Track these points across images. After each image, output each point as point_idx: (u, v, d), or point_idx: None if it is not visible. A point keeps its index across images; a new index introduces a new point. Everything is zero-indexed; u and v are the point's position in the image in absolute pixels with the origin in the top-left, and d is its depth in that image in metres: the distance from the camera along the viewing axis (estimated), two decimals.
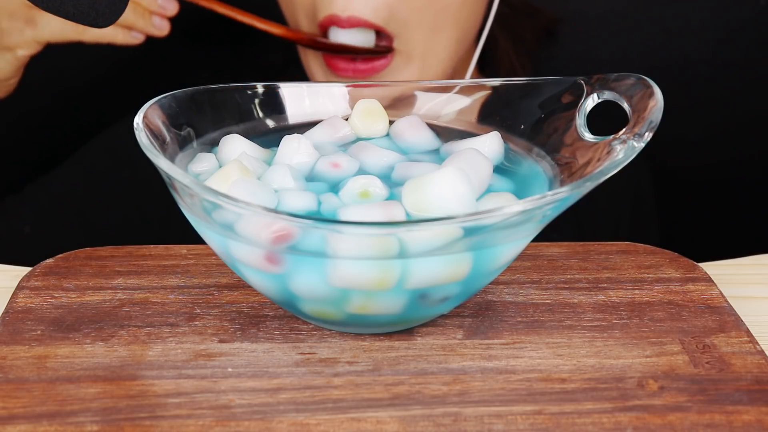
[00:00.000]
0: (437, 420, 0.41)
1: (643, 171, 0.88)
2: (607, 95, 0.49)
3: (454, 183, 0.43)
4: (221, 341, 0.45)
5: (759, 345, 0.46)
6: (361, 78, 0.71)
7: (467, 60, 0.78)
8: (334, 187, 0.46)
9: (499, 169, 0.49)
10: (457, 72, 0.78)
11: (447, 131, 0.53)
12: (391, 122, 0.52)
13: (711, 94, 0.94)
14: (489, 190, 0.46)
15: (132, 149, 0.49)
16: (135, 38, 0.72)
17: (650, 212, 0.89)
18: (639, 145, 0.44)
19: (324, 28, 0.70)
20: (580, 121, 0.49)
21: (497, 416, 0.41)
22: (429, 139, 0.52)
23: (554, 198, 0.41)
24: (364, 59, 0.70)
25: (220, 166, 0.47)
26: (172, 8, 0.73)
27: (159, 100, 0.48)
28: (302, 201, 0.44)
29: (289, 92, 0.53)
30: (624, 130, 0.46)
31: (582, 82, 0.50)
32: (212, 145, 0.50)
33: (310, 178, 0.47)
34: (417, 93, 0.54)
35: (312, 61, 0.74)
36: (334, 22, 0.68)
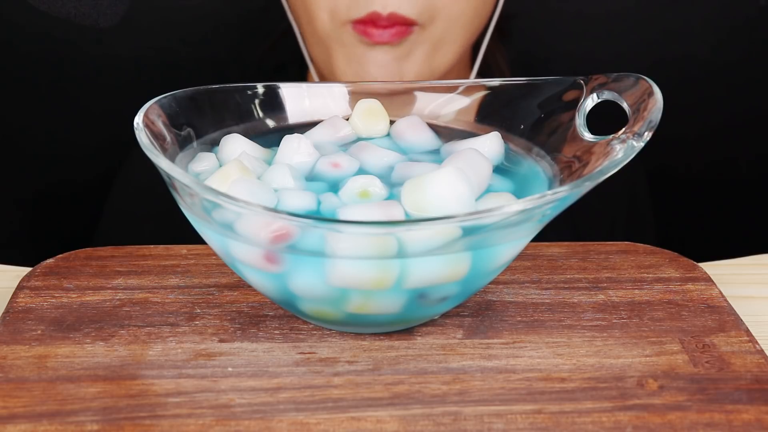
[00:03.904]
0: (437, 419, 0.41)
1: (639, 171, 0.88)
2: (607, 95, 0.49)
3: (454, 183, 0.43)
4: (221, 341, 0.45)
5: (758, 344, 0.46)
6: (395, 41, 0.69)
7: (467, 58, 0.78)
8: (334, 187, 0.46)
9: (498, 169, 0.49)
10: (457, 70, 0.78)
11: (447, 131, 0.53)
12: (391, 122, 0.52)
13: (710, 94, 0.94)
14: (489, 190, 0.46)
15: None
16: None
17: (645, 213, 0.89)
18: (638, 144, 0.44)
19: (359, 25, 0.69)
20: (580, 120, 0.49)
21: (497, 415, 0.41)
22: (429, 140, 0.52)
23: (553, 197, 0.41)
24: (391, 24, 0.70)
25: (221, 166, 0.47)
26: None
27: (159, 100, 0.48)
28: (302, 200, 0.44)
29: (289, 92, 0.53)
30: (623, 129, 0.46)
31: (582, 82, 0.50)
32: (212, 145, 0.50)
33: (310, 177, 0.47)
34: (416, 93, 0.54)
35: (337, 52, 0.73)
36: (374, 20, 0.68)
